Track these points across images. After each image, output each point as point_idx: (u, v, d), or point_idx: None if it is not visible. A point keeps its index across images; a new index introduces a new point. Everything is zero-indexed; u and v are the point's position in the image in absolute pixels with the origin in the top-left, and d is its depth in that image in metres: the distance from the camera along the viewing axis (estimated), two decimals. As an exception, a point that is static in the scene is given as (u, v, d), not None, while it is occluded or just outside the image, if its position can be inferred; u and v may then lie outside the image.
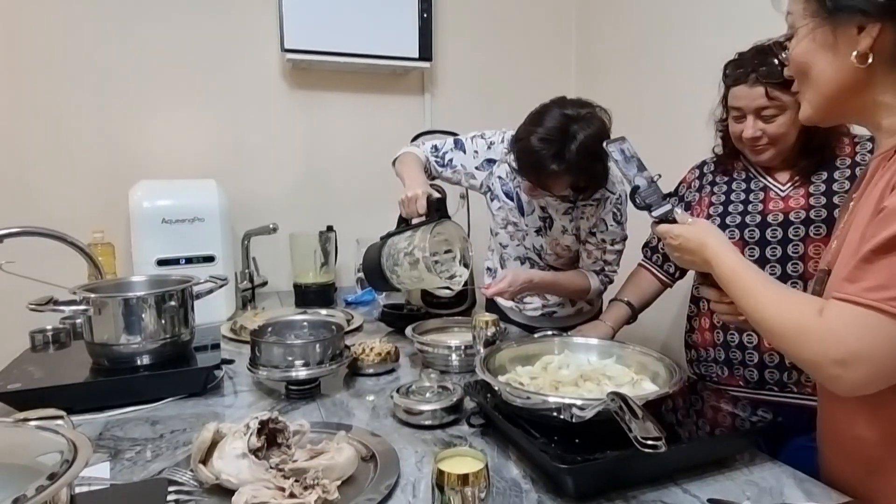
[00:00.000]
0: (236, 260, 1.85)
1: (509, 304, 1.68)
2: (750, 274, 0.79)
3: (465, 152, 1.56)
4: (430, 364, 1.28)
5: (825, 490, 0.77)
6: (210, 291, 1.26)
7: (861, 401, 0.72)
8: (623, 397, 0.67)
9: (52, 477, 0.47)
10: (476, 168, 1.56)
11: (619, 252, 1.50)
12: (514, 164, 1.37)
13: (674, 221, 0.90)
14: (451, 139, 1.59)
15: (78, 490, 0.74)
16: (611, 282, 1.54)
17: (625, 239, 1.50)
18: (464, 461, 0.52)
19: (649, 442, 0.60)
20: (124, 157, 1.92)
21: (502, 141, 1.52)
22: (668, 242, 0.91)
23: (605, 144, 0.95)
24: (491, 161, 1.55)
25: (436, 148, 1.57)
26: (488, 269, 1.75)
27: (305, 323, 1.26)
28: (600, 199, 1.44)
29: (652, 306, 1.47)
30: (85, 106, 1.89)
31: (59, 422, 0.71)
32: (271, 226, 1.83)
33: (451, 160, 1.57)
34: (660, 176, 0.92)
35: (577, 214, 1.47)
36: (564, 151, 1.23)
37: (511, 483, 0.79)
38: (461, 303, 1.79)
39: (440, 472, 0.51)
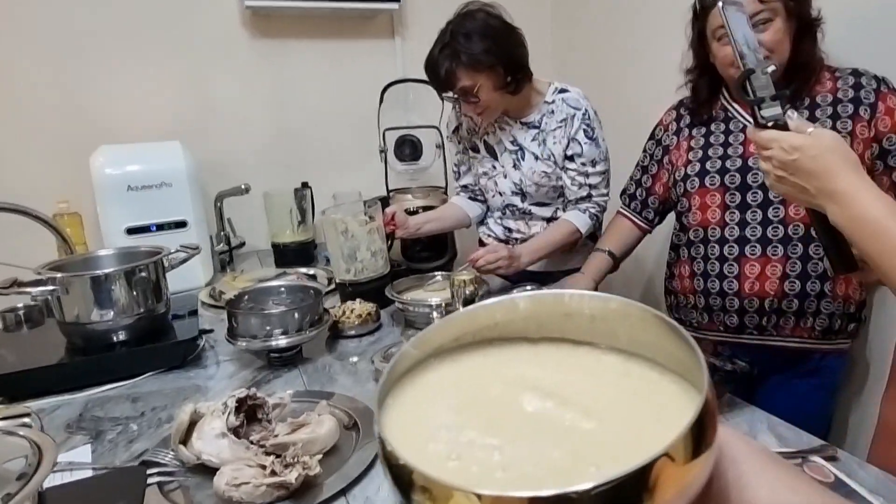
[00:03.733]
0: (210, 223, 1.81)
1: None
2: None
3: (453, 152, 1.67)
4: (411, 323, 1.27)
5: (797, 434, 0.79)
6: (183, 262, 1.23)
7: None
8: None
9: (20, 478, 0.46)
10: (461, 152, 1.63)
11: (603, 174, 1.47)
12: (456, 109, 1.47)
13: (786, 128, 0.69)
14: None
15: (59, 477, 0.74)
16: (602, 209, 1.50)
17: (606, 159, 1.47)
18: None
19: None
20: (83, 121, 1.83)
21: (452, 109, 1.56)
22: (775, 156, 0.68)
23: (720, 6, 0.77)
24: (454, 131, 1.62)
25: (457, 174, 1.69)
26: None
27: (283, 288, 1.24)
28: (565, 118, 1.41)
29: (632, 253, 1.47)
30: (36, 69, 1.78)
31: (27, 419, 0.70)
32: (243, 186, 1.78)
33: (456, 168, 1.68)
34: (774, 68, 0.72)
35: (544, 138, 1.45)
36: (451, 43, 1.32)
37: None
38: (442, 255, 1.78)
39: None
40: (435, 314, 1.25)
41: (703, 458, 0.18)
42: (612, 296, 0.26)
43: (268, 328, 1.06)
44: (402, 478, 0.19)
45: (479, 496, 0.17)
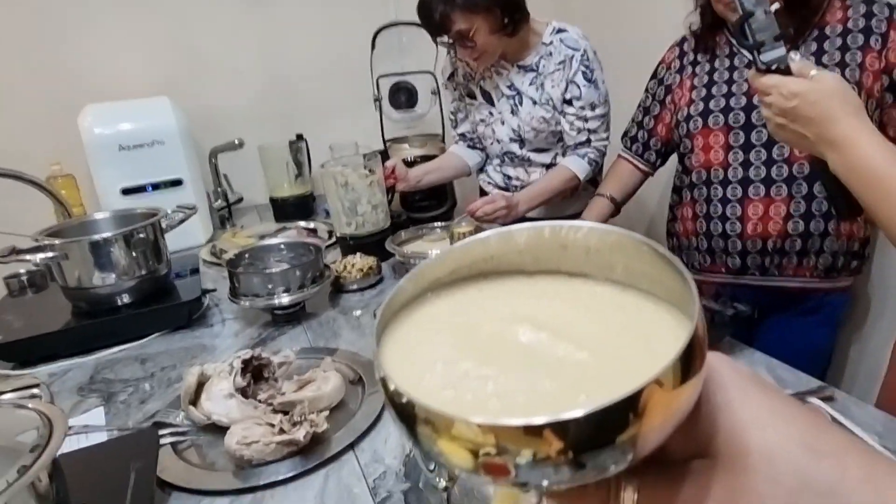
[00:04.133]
0: (206, 179, 1.79)
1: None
2: None
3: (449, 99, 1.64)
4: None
5: (796, 375, 0.80)
6: (181, 222, 1.22)
7: None
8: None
9: (34, 450, 0.47)
10: (457, 99, 1.60)
11: (603, 118, 1.44)
12: (451, 55, 1.43)
13: (787, 72, 0.67)
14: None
15: (75, 440, 0.76)
16: (602, 154, 1.47)
17: (606, 102, 1.43)
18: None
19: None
20: (68, 80, 1.77)
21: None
22: (774, 103, 0.67)
23: None
24: (450, 78, 1.58)
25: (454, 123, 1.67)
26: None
27: (283, 245, 1.23)
28: (564, 59, 1.37)
29: (633, 197, 1.45)
30: (17, 29, 1.71)
31: (35, 391, 0.71)
32: (236, 141, 1.75)
33: (453, 115, 1.65)
34: (779, 5, 0.67)
35: (542, 82, 1.41)
36: None
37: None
38: (441, 204, 1.76)
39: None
40: (436, 266, 1.25)
41: (691, 383, 0.19)
42: (610, 227, 0.26)
43: (270, 286, 1.06)
44: (405, 413, 0.20)
45: (478, 425, 0.18)
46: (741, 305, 0.88)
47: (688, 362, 0.18)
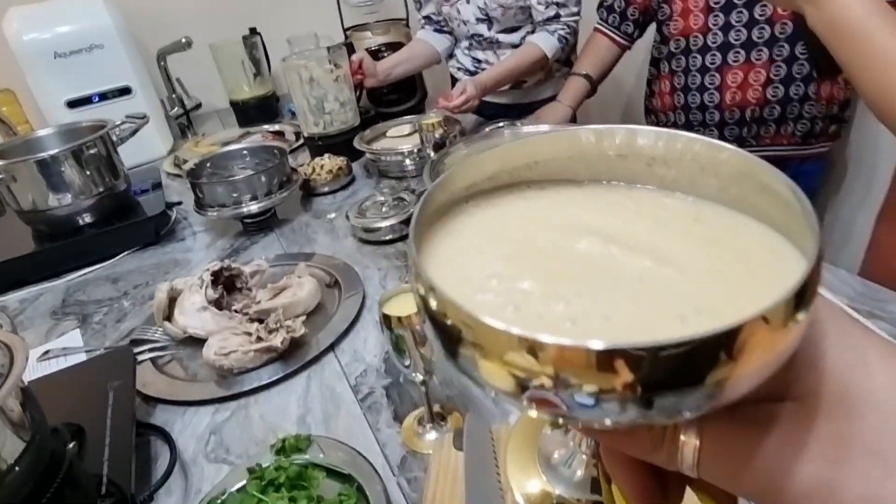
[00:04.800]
0: (158, 86, 1.67)
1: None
2: (882, 22, 0.54)
3: None
4: (384, 173, 1.23)
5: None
6: (133, 133, 1.15)
7: None
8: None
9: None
10: None
11: None
12: None
13: None
14: None
15: (55, 363, 0.76)
16: (573, 31, 1.38)
17: None
18: (408, 298, 0.52)
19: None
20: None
21: None
22: None
23: None
24: None
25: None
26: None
27: (246, 151, 1.18)
28: None
29: (610, 74, 1.38)
30: None
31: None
32: (183, 40, 1.61)
33: None
34: None
35: None
36: None
37: (473, 287, 0.81)
38: (411, 96, 1.68)
39: (384, 316, 0.50)
40: (408, 161, 1.21)
41: (801, 324, 0.15)
42: (678, 132, 0.21)
43: (235, 195, 1.02)
44: (449, 330, 0.16)
45: (556, 346, 0.14)
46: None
47: (801, 298, 0.15)
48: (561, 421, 0.17)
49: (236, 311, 0.76)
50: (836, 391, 0.16)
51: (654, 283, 0.18)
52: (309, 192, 1.20)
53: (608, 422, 0.15)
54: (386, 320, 0.51)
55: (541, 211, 0.22)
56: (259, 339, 0.69)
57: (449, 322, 0.16)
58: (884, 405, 0.15)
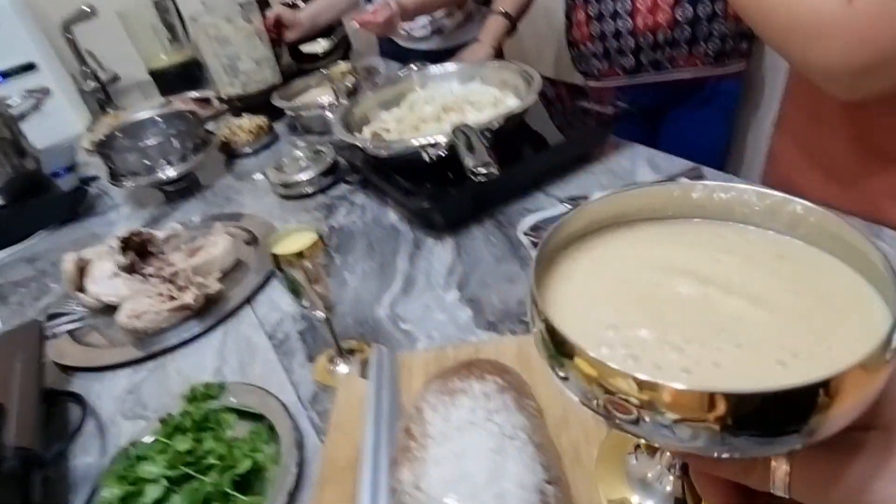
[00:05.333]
0: (67, 60, 1.59)
1: (402, 32, 1.54)
2: None
3: None
4: (308, 128, 1.22)
5: (670, 160, 0.82)
6: (36, 107, 1.10)
7: (842, 108, 0.62)
8: (465, 130, 0.65)
9: None
10: None
11: None
12: None
13: None
14: None
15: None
16: None
17: None
18: (299, 238, 0.52)
19: (481, 170, 0.61)
20: None
21: None
22: None
23: None
24: None
25: None
26: None
27: (158, 118, 1.14)
28: None
29: (543, 7, 1.37)
30: None
31: None
32: (86, 8, 1.53)
33: None
34: None
35: None
36: None
37: (390, 229, 0.82)
38: (335, 52, 1.64)
39: (274, 256, 0.51)
40: (329, 115, 1.19)
41: (890, 364, 0.17)
42: (769, 192, 0.23)
43: (148, 162, 1.00)
44: (578, 373, 0.18)
45: (679, 391, 0.16)
46: (622, 103, 0.87)
47: (889, 342, 0.16)
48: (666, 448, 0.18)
49: (151, 276, 0.75)
50: None
51: (751, 325, 0.19)
52: (231, 154, 1.17)
53: (714, 454, 0.17)
54: (276, 261, 0.52)
55: (635, 251, 0.24)
56: (171, 298, 0.69)
57: (581, 370, 0.18)
58: None
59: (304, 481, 0.49)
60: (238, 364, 0.64)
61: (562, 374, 0.19)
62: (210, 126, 1.29)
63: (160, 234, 0.81)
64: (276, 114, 1.26)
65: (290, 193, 0.96)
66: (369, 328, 0.65)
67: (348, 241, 0.81)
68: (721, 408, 0.15)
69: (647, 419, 0.17)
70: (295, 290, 0.54)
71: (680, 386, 0.16)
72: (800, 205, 0.22)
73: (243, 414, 0.56)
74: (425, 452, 0.39)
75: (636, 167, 0.83)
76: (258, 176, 1.09)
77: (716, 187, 0.24)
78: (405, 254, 0.76)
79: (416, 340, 0.62)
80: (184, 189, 1.07)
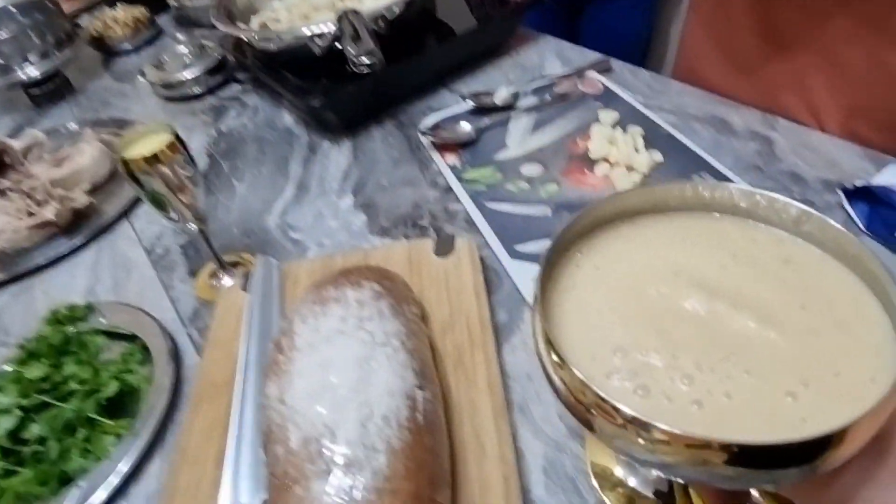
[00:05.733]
0: None
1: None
2: None
3: None
4: (196, 21, 1.08)
5: (581, 53, 0.79)
6: None
7: None
8: (351, 17, 0.58)
9: None
10: None
11: None
12: None
13: None
14: None
15: None
16: None
17: None
18: (153, 140, 0.46)
19: (364, 60, 0.55)
20: None
21: None
22: None
23: None
24: None
25: None
26: None
27: (12, 7, 0.98)
28: None
29: None
30: None
31: None
32: None
33: None
34: None
35: None
36: None
37: (283, 132, 0.76)
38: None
39: (124, 162, 0.45)
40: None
41: (891, 404, 0.17)
42: (776, 196, 0.23)
43: (1, 60, 0.87)
44: (597, 414, 0.18)
45: (688, 437, 0.16)
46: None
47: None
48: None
49: (10, 190, 0.67)
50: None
51: (760, 348, 0.19)
52: (107, 51, 1.04)
53: (716, 485, 0.19)
54: (126, 168, 0.46)
55: (640, 254, 0.23)
56: (30, 214, 0.62)
57: (580, 401, 0.18)
58: None
59: (181, 401, 0.46)
60: (112, 282, 0.59)
61: (561, 390, 0.20)
62: (84, 20, 1.14)
63: (17, 143, 0.71)
64: (159, 5, 1.12)
65: (175, 95, 0.87)
66: (257, 239, 0.60)
67: (238, 146, 0.75)
68: (733, 453, 0.16)
69: (652, 457, 0.18)
70: (157, 202, 0.48)
71: (695, 434, 0.16)
72: (796, 208, 0.22)
73: (116, 335, 0.52)
74: (291, 365, 0.37)
75: (545, 60, 0.79)
76: (141, 77, 0.98)
77: (718, 186, 0.24)
78: (299, 158, 0.70)
79: (306, 250, 0.58)
80: (52, 92, 0.94)
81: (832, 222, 0.22)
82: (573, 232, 0.23)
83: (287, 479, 0.32)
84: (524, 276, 0.50)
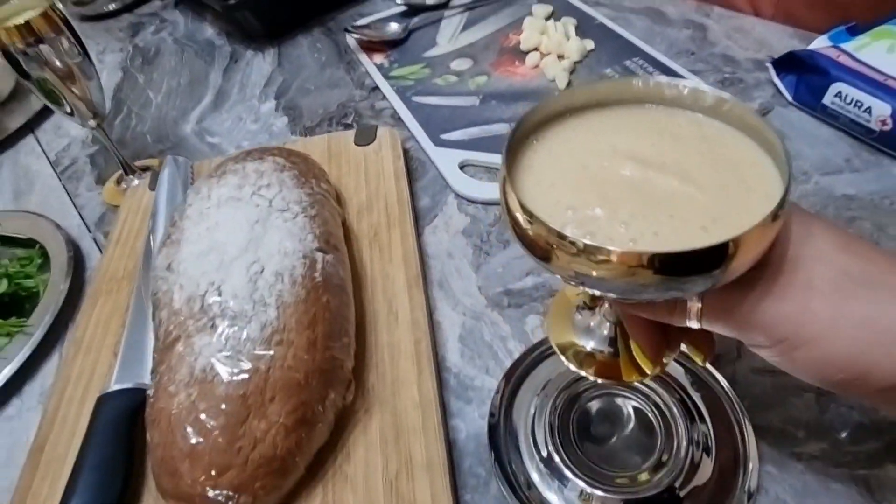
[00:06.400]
0: None
1: None
2: None
3: None
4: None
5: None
6: None
7: None
8: None
9: None
10: None
11: None
12: None
13: None
14: None
15: None
16: None
17: None
18: (27, 15, 0.42)
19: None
20: None
21: None
22: None
23: None
24: None
25: None
26: None
27: None
28: None
29: None
30: None
31: None
32: None
33: None
34: None
35: None
36: None
37: (205, 44, 0.71)
38: None
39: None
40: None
41: (780, 222, 0.22)
42: (698, 85, 0.27)
43: None
44: (544, 245, 0.22)
45: (623, 252, 0.20)
46: None
47: (781, 206, 0.21)
48: (606, 299, 0.28)
49: None
50: (792, 253, 0.23)
51: (682, 199, 0.24)
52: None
53: (645, 298, 0.24)
54: (2, 46, 0.41)
55: (585, 140, 0.27)
56: (-82, 126, 0.57)
57: (545, 242, 0.22)
58: (824, 255, 0.23)
59: (81, 300, 0.43)
60: (12, 194, 0.55)
61: (527, 237, 0.23)
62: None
63: None
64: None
65: (89, 13, 0.80)
66: (171, 145, 0.57)
67: (154, 60, 0.70)
68: (656, 263, 0.20)
69: (594, 275, 0.21)
70: (48, 94, 0.44)
71: (627, 249, 0.20)
72: (712, 95, 0.26)
73: (14, 242, 0.48)
74: (181, 234, 0.34)
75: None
76: None
77: (652, 79, 0.28)
78: (220, 68, 0.66)
79: (223, 153, 0.55)
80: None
81: (741, 103, 0.26)
82: (529, 123, 0.27)
83: (169, 339, 0.29)
84: (448, 162, 0.48)
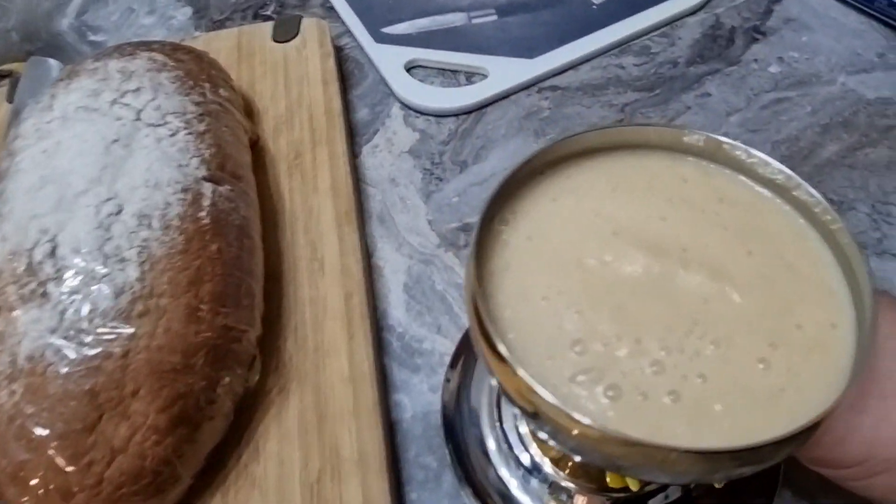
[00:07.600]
0: None
1: None
2: None
3: None
4: None
5: None
6: None
7: None
8: None
9: None
10: None
11: None
12: None
13: None
14: None
15: None
16: None
17: None
18: None
19: None
20: None
21: None
22: None
23: None
24: None
25: None
26: None
27: None
28: None
29: None
30: None
31: None
32: None
33: None
34: None
35: None
36: None
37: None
38: None
39: None
40: None
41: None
42: (715, 136, 0.20)
43: None
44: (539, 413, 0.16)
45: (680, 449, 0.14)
46: None
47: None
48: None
49: None
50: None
51: (719, 307, 0.18)
52: None
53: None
54: None
55: (571, 211, 0.20)
56: None
57: (547, 415, 0.15)
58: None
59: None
60: None
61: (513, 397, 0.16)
62: None
63: None
64: None
65: None
66: (43, 44, 0.45)
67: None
68: (725, 461, 0.15)
69: (626, 465, 0.16)
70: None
71: (690, 448, 0.14)
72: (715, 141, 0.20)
73: None
74: (11, 161, 0.24)
75: None
76: None
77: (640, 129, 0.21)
78: (107, -54, 0.53)
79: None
80: None
81: (755, 152, 0.20)
82: (501, 197, 0.19)
83: (-15, 312, 0.21)
84: (392, 63, 0.38)
